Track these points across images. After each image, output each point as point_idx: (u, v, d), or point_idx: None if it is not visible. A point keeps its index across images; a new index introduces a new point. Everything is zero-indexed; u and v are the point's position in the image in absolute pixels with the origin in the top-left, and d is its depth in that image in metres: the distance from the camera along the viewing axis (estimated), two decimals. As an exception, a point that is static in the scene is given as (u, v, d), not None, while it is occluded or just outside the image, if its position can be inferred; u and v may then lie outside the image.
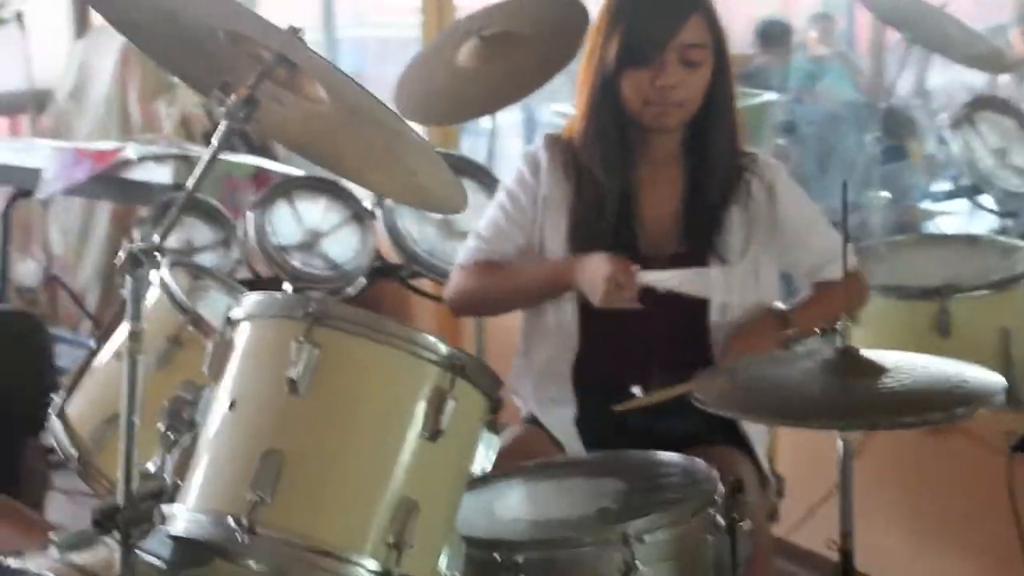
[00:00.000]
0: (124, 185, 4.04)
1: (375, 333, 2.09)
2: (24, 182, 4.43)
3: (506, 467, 2.54)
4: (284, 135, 2.28)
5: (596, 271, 2.57)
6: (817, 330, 2.60)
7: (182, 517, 2.08)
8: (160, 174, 4.00)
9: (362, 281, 3.41)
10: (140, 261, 2.14)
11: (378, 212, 3.45)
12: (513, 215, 2.78)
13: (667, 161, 2.76)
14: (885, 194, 4.16)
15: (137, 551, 2.17)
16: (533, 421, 2.83)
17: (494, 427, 2.21)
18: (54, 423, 2.69)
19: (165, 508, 2.11)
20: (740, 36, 7.05)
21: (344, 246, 3.41)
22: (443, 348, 2.11)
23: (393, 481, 2.06)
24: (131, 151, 4.07)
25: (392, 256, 3.51)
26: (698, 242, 2.73)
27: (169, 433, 2.21)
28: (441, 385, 2.09)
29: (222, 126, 2.11)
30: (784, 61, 7.27)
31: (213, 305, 2.69)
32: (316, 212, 3.43)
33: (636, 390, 2.65)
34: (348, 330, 2.09)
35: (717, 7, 2.71)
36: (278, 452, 2.03)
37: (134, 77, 5.68)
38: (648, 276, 2.58)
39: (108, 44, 5.80)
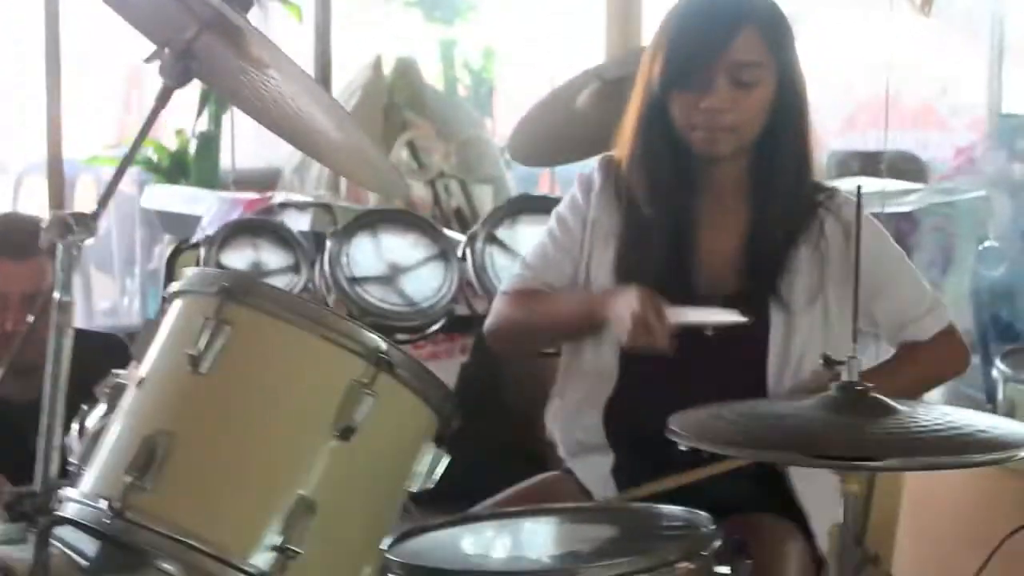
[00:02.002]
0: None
1: (293, 315, 1.93)
2: (188, 231, 4.43)
3: (502, 508, 2.29)
4: (257, 113, 2.12)
5: (624, 307, 2.32)
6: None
7: (72, 501, 1.92)
8: (299, 221, 3.93)
9: (440, 322, 3.21)
10: (70, 227, 1.99)
11: (468, 253, 3.26)
12: (562, 241, 2.57)
13: (730, 191, 2.51)
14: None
15: (54, 543, 2.00)
16: (568, 472, 2.55)
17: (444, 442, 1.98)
18: (72, 433, 2.58)
19: (62, 492, 1.94)
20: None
21: (424, 284, 3.25)
22: (370, 339, 1.92)
23: (289, 475, 1.87)
24: (278, 198, 4.02)
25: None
26: (759, 283, 2.46)
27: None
28: (361, 379, 1.89)
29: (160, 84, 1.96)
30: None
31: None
32: (401, 247, 3.27)
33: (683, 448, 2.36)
34: (263, 309, 1.93)
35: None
36: (167, 434, 1.88)
37: (345, 150, 5.67)
38: (680, 314, 2.29)
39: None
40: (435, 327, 3.21)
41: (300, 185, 6.00)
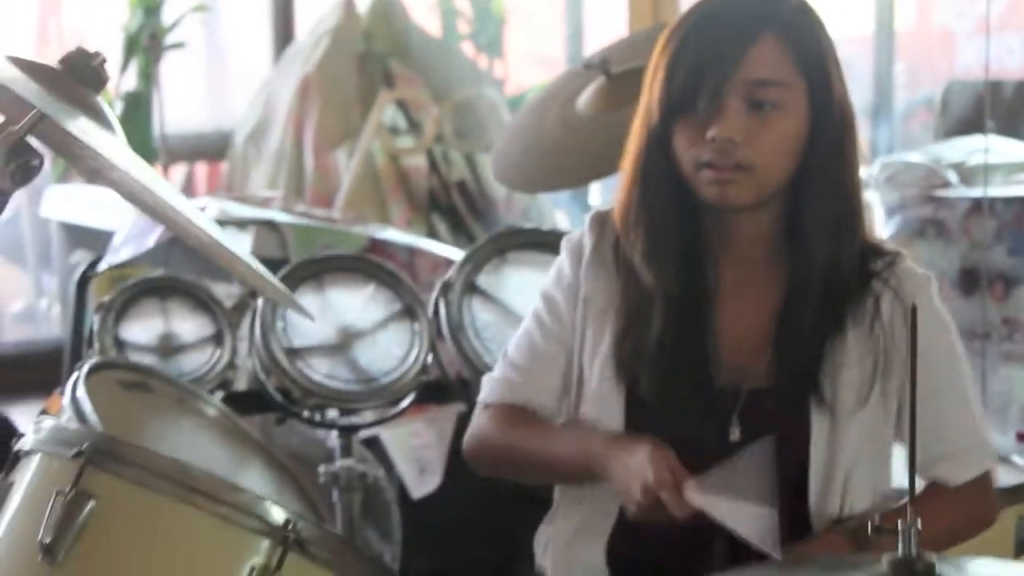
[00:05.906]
0: (194, 256, 3.90)
1: (174, 486, 1.92)
2: (99, 246, 4.37)
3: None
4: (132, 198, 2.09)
5: (634, 475, 2.28)
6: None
7: None
8: (237, 244, 3.83)
9: (406, 400, 3.19)
10: None
11: (441, 307, 3.19)
12: (552, 328, 2.53)
13: (757, 255, 2.45)
14: None
15: None
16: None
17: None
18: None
19: None
20: None
21: (384, 353, 3.18)
22: (274, 513, 1.90)
23: None
24: (208, 212, 3.94)
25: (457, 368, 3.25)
26: (795, 377, 2.41)
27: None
28: (266, 563, 1.91)
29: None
30: None
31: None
32: (354, 304, 3.22)
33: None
34: (135, 479, 1.92)
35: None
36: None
37: (311, 117, 5.61)
38: (701, 499, 2.26)
39: (290, 71, 5.73)
40: (401, 406, 3.18)
41: (257, 157, 5.96)
